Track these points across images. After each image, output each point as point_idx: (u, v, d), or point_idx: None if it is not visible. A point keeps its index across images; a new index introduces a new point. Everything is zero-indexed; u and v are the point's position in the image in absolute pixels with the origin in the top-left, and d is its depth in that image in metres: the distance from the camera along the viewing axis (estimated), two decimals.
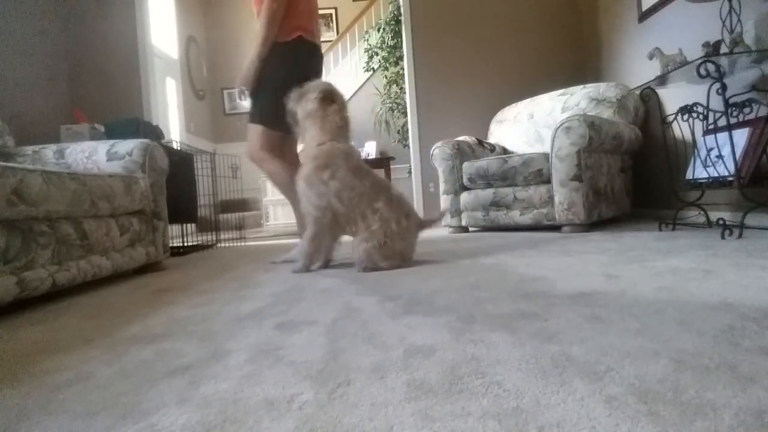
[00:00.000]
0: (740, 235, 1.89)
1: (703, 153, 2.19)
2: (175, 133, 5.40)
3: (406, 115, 4.73)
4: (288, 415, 0.62)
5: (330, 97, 1.85)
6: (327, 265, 1.99)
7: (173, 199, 2.64)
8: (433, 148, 3.41)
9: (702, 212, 2.31)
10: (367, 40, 5.92)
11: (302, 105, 1.88)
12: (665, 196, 2.86)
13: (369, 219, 1.79)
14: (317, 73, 2.28)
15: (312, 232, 1.85)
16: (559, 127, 2.65)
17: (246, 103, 2.34)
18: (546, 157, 2.76)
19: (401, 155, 5.88)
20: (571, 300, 1.09)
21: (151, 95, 3.86)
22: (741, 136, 2.01)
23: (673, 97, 2.76)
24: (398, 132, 5.74)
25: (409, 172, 4.49)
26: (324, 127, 1.85)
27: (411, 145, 4.10)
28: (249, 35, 6.83)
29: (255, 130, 2.22)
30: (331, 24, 7.07)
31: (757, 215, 2.03)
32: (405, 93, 4.43)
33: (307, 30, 2.19)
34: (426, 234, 3.34)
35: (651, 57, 2.37)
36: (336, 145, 1.83)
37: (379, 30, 5.68)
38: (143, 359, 0.90)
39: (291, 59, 2.15)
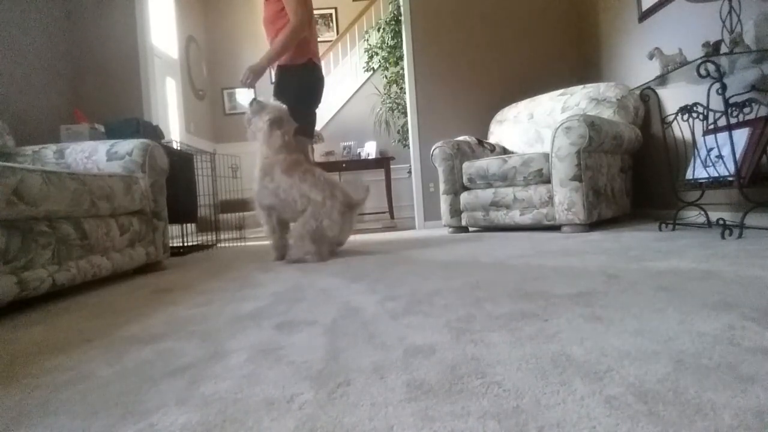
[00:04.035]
0: (740, 235, 1.89)
1: (703, 153, 2.19)
2: (175, 133, 5.39)
3: (406, 115, 4.72)
4: (288, 415, 0.62)
5: (278, 122, 2.25)
6: (283, 257, 2.30)
7: (173, 199, 2.64)
8: (433, 148, 3.41)
9: (702, 212, 2.31)
10: (367, 40, 5.91)
11: (256, 120, 2.30)
12: (665, 196, 2.86)
13: (298, 204, 2.16)
14: (321, 89, 2.73)
15: (267, 230, 2.33)
16: (559, 127, 2.65)
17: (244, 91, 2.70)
18: (546, 157, 2.76)
19: (401, 155, 5.87)
20: (571, 300, 1.09)
21: (151, 95, 3.86)
22: (741, 136, 2.01)
23: (673, 97, 2.76)
24: (398, 132, 5.74)
25: (409, 172, 4.49)
26: (270, 145, 2.26)
27: (411, 145, 4.10)
28: (249, 35, 6.83)
29: None
30: (331, 24, 7.07)
31: (757, 215, 2.03)
32: (405, 93, 4.43)
33: (315, 55, 2.68)
34: (425, 234, 3.34)
35: (651, 57, 2.36)
36: (276, 157, 2.26)
37: (379, 30, 5.67)
38: (143, 359, 0.90)
39: (302, 80, 2.63)
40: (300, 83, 2.61)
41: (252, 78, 2.52)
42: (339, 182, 2.26)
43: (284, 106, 2.34)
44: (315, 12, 2.76)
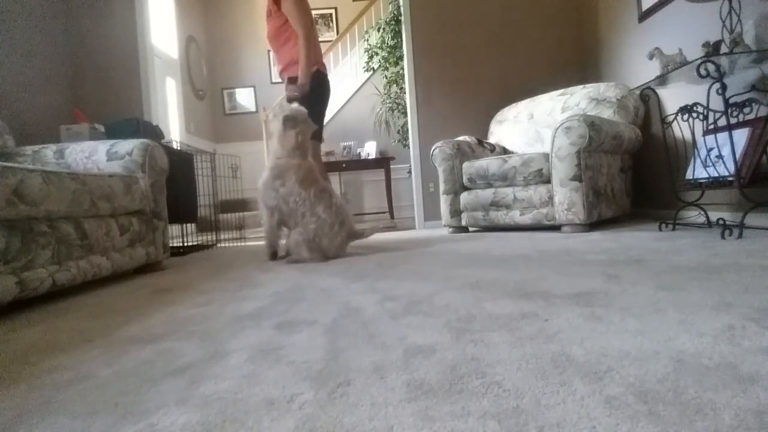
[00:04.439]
0: (740, 235, 1.89)
1: (703, 153, 2.19)
2: (175, 133, 5.39)
3: (406, 115, 4.72)
4: (288, 415, 0.62)
5: (293, 122, 2.25)
6: (275, 256, 2.36)
7: (173, 199, 2.64)
8: (433, 148, 3.41)
9: (702, 212, 2.31)
10: (367, 40, 5.91)
11: (273, 122, 2.31)
12: (665, 196, 2.86)
13: (307, 218, 2.17)
14: (329, 95, 2.85)
15: (266, 227, 2.33)
16: (559, 127, 2.65)
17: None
18: (546, 157, 2.76)
19: (401, 155, 5.87)
20: (571, 300, 1.09)
21: (151, 95, 3.86)
22: (741, 136, 2.01)
23: (673, 97, 2.76)
24: (398, 132, 5.73)
25: (409, 172, 4.49)
26: (283, 144, 2.26)
27: (411, 145, 4.10)
28: (249, 35, 6.84)
29: None
30: (331, 24, 7.07)
31: (757, 215, 2.03)
32: (405, 93, 4.43)
33: (321, 64, 2.80)
34: (425, 234, 3.34)
35: (651, 57, 2.36)
36: (290, 161, 2.25)
37: (379, 30, 5.67)
38: (143, 359, 0.90)
39: (312, 89, 2.70)
40: (311, 93, 2.70)
41: (296, 96, 2.63)
42: (348, 209, 2.31)
43: (304, 108, 2.35)
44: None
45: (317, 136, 2.75)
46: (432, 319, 1.02)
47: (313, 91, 2.73)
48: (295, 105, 2.39)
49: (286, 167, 2.22)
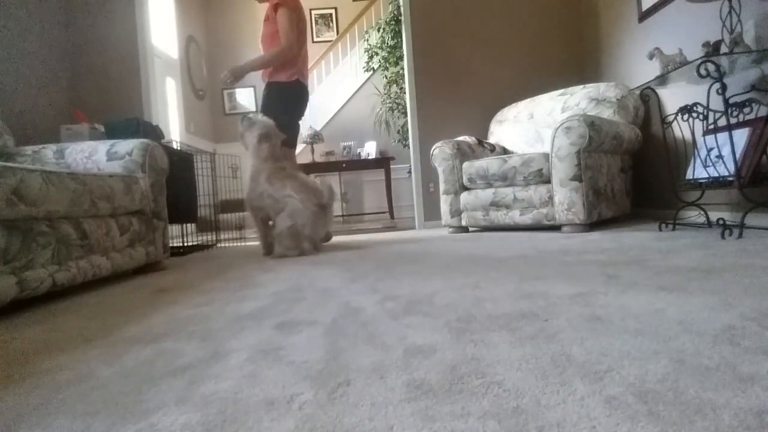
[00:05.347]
0: (740, 235, 1.89)
1: (703, 153, 2.19)
2: (175, 133, 5.39)
3: (406, 115, 4.73)
4: (288, 415, 0.62)
5: (266, 138, 2.52)
6: (270, 253, 2.58)
7: (173, 199, 2.64)
8: (433, 148, 3.41)
9: (702, 212, 2.31)
10: (367, 40, 5.91)
11: (247, 135, 2.57)
12: (665, 196, 2.86)
13: (278, 206, 2.42)
14: (305, 105, 3.00)
15: (257, 228, 2.65)
16: (559, 127, 2.65)
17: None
18: (546, 157, 2.76)
19: (401, 155, 5.87)
20: (571, 300, 1.09)
21: (151, 95, 3.86)
22: (741, 136, 2.01)
23: (673, 97, 2.76)
24: (398, 132, 5.73)
25: (409, 172, 4.49)
26: (257, 155, 2.54)
27: (411, 145, 4.10)
28: (249, 35, 6.83)
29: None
30: (331, 24, 7.06)
31: (757, 215, 2.03)
32: (405, 93, 4.43)
33: (303, 75, 2.95)
34: (425, 234, 3.34)
35: (651, 57, 2.36)
36: (263, 164, 2.53)
37: (379, 30, 5.67)
38: (143, 359, 0.90)
39: (290, 96, 2.89)
40: (288, 100, 2.87)
41: (232, 80, 2.77)
42: (314, 184, 2.52)
43: (271, 121, 2.58)
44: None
45: (291, 144, 2.90)
46: (432, 319, 1.02)
47: (291, 102, 2.89)
48: (264, 119, 2.59)
49: (259, 171, 2.53)
